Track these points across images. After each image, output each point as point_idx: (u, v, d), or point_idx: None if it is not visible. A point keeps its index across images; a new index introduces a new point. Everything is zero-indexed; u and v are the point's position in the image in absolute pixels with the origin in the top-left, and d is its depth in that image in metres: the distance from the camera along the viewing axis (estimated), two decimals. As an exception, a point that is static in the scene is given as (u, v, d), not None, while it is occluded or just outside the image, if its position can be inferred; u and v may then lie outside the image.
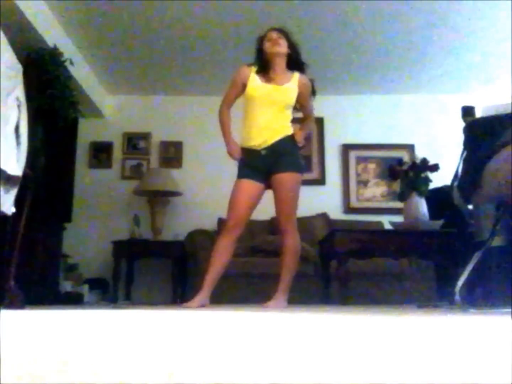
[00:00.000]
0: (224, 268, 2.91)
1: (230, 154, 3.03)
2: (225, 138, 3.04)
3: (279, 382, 0.41)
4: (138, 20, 4.25)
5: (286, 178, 2.92)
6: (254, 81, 2.97)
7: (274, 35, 3.00)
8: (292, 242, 2.91)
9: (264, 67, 2.99)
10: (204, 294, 2.81)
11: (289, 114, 3.06)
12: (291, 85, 3.01)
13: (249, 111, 3.00)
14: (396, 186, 4.35)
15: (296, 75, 3.05)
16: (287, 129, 3.01)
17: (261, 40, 3.04)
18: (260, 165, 2.94)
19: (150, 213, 5.04)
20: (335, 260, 3.54)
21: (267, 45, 2.99)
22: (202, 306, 2.75)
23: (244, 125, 3.02)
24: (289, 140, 2.98)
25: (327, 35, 4.50)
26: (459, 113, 2.72)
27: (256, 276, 4.33)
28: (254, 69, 3.01)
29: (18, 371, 0.43)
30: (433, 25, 4.32)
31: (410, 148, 5.55)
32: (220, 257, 2.87)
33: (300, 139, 3.06)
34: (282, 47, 2.99)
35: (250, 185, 2.93)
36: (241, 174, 2.97)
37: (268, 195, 5.65)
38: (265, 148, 2.93)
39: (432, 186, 3.76)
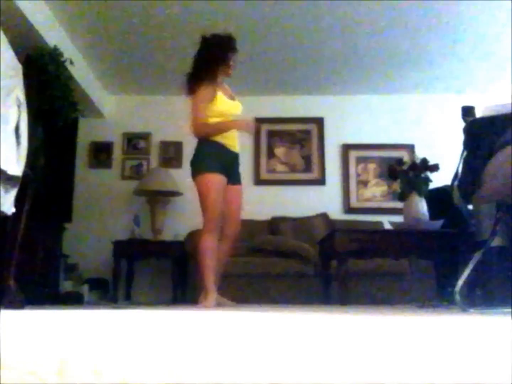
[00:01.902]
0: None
1: (247, 124, 3.20)
2: (228, 125, 3.10)
3: (279, 382, 0.41)
4: (138, 20, 4.25)
5: (240, 190, 3.19)
6: (222, 96, 3.07)
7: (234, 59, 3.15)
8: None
9: (215, 76, 3.07)
10: (215, 294, 2.92)
11: None
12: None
13: (221, 116, 3.08)
14: (396, 186, 4.36)
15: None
16: None
17: (226, 47, 3.10)
18: (229, 164, 3.08)
19: (150, 213, 5.04)
20: (335, 260, 3.54)
21: (229, 71, 3.13)
22: (218, 305, 2.88)
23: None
24: None
25: (327, 35, 4.50)
26: (459, 113, 2.72)
27: (256, 276, 4.33)
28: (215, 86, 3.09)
29: (18, 371, 0.43)
30: (433, 25, 4.32)
31: (410, 148, 5.54)
32: (215, 256, 2.98)
33: None
34: None
35: (223, 181, 3.03)
36: (214, 168, 3.00)
37: (267, 195, 5.63)
38: (235, 152, 3.13)
39: (432, 186, 3.76)
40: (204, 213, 2.99)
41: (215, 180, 2.97)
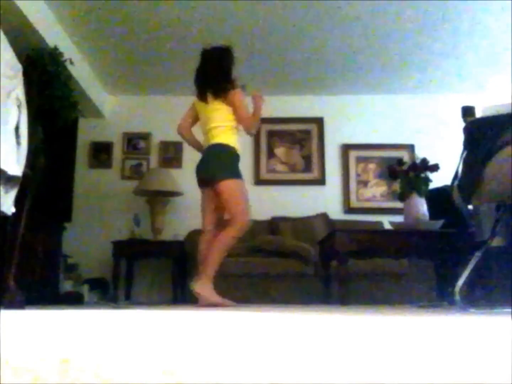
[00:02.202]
0: None
1: (262, 100, 3.32)
2: (260, 110, 3.30)
3: (279, 382, 0.41)
4: (138, 20, 4.25)
5: None
6: None
7: None
8: None
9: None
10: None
11: None
12: None
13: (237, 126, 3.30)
14: (396, 186, 4.36)
15: None
16: None
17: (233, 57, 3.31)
18: None
19: (150, 213, 5.04)
20: (335, 260, 3.54)
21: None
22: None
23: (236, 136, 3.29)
24: None
25: (327, 35, 4.50)
26: (459, 113, 2.72)
27: (256, 276, 4.33)
28: None
29: (18, 371, 0.43)
30: (432, 26, 4.32)
31: (410, 148, 5.55)
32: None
33: None
34: None
35: None
36: (240, 173, 3.24)
37: (267, 195, 5.62)
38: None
39: (432, 186, 3.76)
40: (234, 212, 3.12)
41: (243, 185, 3.22)
